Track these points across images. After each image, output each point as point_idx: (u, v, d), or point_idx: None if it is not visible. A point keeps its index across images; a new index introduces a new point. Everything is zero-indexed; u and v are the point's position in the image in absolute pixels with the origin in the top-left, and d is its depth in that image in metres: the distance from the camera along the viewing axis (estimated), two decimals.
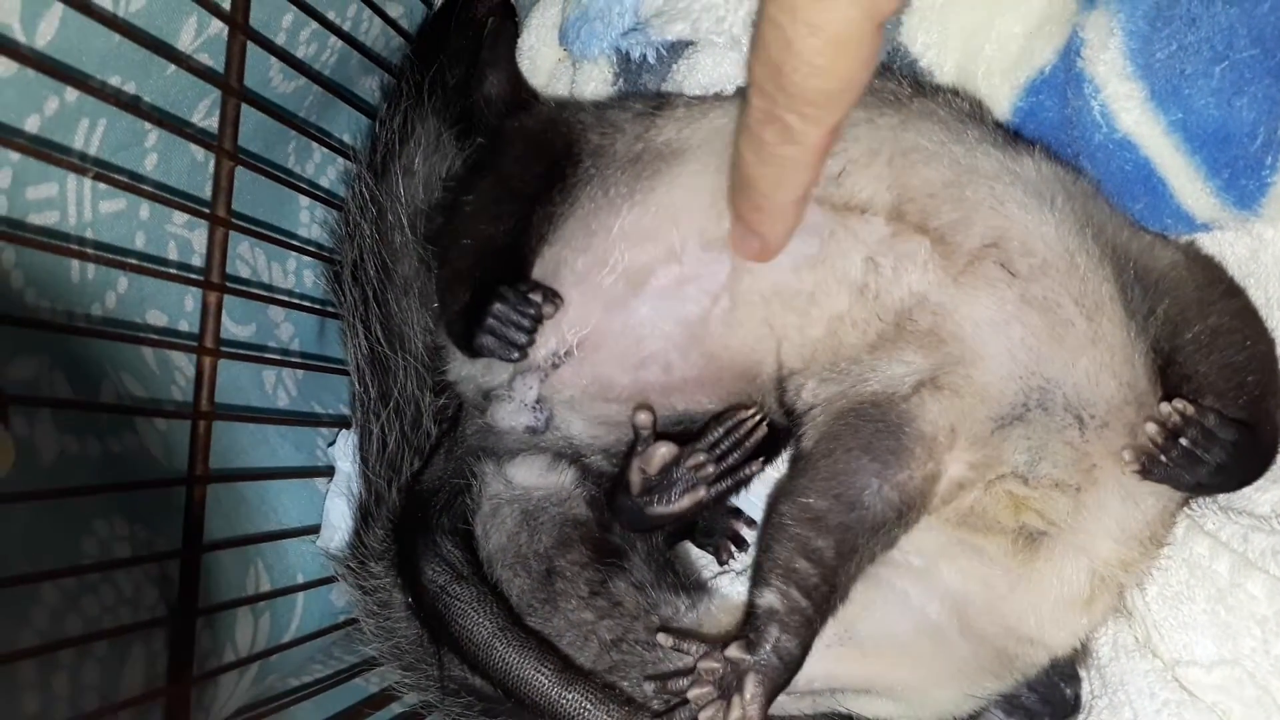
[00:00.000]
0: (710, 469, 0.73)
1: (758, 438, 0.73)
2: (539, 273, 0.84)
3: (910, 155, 0.76)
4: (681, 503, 0.75)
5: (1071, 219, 0.75)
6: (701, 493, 0.74)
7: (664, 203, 0.80)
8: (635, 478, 0.74)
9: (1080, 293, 0.73)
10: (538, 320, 0.79)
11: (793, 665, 0.67)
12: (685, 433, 0.81)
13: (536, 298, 0.79)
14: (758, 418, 0.73)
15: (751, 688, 0.65)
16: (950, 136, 0.78)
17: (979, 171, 0.76)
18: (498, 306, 0.78)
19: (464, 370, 0.89)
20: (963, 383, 0.73)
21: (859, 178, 0.76)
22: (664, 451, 0.73)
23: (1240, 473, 0.72)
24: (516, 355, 0.79)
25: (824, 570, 0.68)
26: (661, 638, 0.73)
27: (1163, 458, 0.70)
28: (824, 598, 0.68)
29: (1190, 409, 0.70)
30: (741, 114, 0.65)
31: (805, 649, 0.67)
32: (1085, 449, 0.73)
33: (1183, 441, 0.69)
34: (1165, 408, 0.70)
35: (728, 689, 0.66)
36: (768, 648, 0.66)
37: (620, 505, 0.79)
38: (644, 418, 0.74)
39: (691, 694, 0.66)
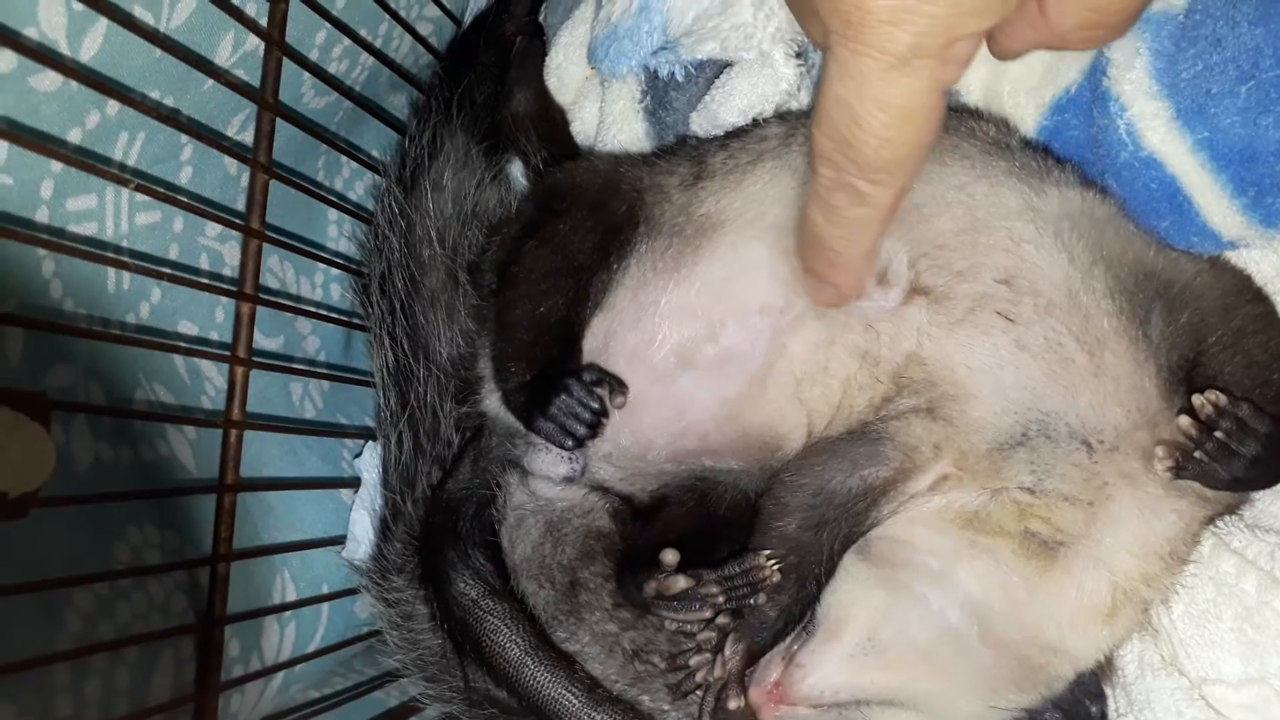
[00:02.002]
0: (720, 600, 0.76)
1: (771, 584, 0.75)
2: (591, 343, 0.84)
3: (923, 209, 0.78)
4: (686, 615, 0.77)
5: (1085, 253, 0.76)
6: (706, 613, 0.76)
7: (705, 279, 0.82)
8: (650, 591, 0.76)
9: (1082, 329, 0.74)
10: (602, 416, 0.80)
11: (767, 624, 0.77)
12: (705, 488, 0.84)
13: (603, 392, 0.80)
14: (775, 565, 0.75)
15: (730, 646, 0.76)
16: (975, 174, 0.79)
17: (999, 210, 0.77)
18: (564, 399, 0.79)
19: (500, 410, 0.89)
20: (957, 415, 0.76)
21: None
22: (684, 584, 0.75)
23: (1275, 467, 0.72)
24: (571, 445, 0.80)
25: (790, 544, 0.77)
26: (668, 622, 0.78)
27: (1196, 452, 0.69)
28: (792, 566, 0.77)
29: (1223, 399, 0.69)
30: (809, 180, 0.65)
31: (779, 609, 0.77)
32: (1095, 469, 0.74)
33: (1216, 434, 0.69)
34: (1198, 399, 0.70)
35: (716, 650, 0.77)
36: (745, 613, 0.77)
37: (629, 594, 0.81)
38: (671, 558, 0.76)
39: (693, 662, 0.78)
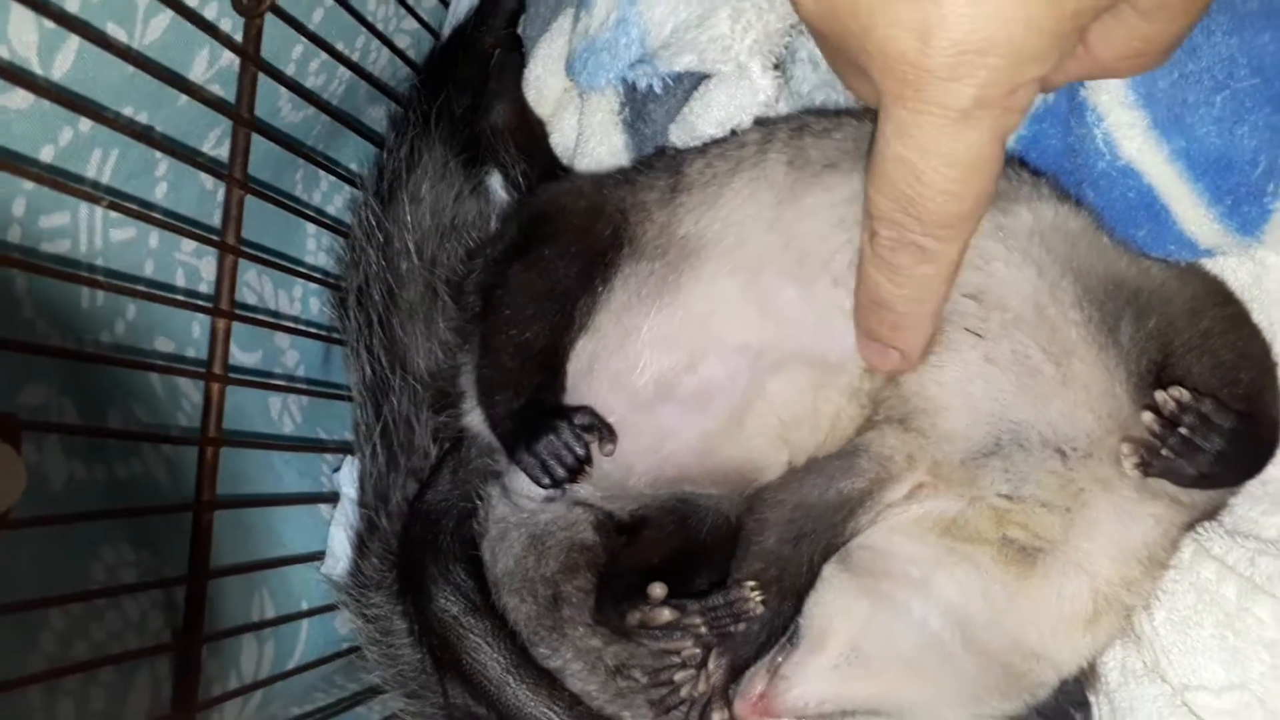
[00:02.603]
0: (703, 631, 0.76)
1: (755, 614, 0.75)
2: (575, 366, 0.84)
3: None
4: (668, 645, 0.77)
5: (1054, 266, 0.76)
6: (688, 643, 0.76)
7: (686, 310, 0.82)
8: (635, 621, 0.76)
9: (1049, 341, 0.75)
10: (586, 463, 0.79)
11: (750, 638, 0.76)
12: (686, 510, 0.83)
13: (591, 439, 0.79)
14: (759, 598, 0.75)
15: (714, 660, 0.76)
16: None
17: None
18: (550, 439, 0.79)
19: (483, 428, 0.88)
20: (929, 428, 0.77)
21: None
22: (669, 616, 0.75)
23: (1240, 463, 0.72)
24: (549, 484, 0.80)
25: (770, 558, 0.78)
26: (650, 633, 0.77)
27: (1162, 449, 0.69)
28: (773, 580, 0.77)
29: (1187, 395, 0.69)
30: (865, 242, 0.65)
31: (762, 623, 0.77)
32: (1070, 476, 0.74)
33: (1181, 430, 0.69)
34: (1161, 395, 0.70)
35: (700, 665, 0.76)
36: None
37: (608, 618, 0.80)
38: (659, 592, 0.76)
39: (677, 677, 0.77)
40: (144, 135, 0.75)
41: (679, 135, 0.89)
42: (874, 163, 0.58)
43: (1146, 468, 0.71)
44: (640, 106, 0.90)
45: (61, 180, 0.69)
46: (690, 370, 0.82)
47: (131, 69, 0.72)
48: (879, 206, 0.60)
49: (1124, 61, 0.60)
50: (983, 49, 0.51)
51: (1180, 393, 0.70)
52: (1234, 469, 0.73)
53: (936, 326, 0.72)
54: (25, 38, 0.66)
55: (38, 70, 0.67)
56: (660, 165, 0.89)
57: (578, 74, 0.91)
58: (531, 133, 0.99)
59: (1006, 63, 0.51)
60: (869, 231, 0.63)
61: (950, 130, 0.54)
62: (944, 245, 0.61)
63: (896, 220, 0.60)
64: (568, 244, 0.84)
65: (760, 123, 0.87)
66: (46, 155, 0.71)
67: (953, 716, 0.76)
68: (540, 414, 0.80)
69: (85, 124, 0.72)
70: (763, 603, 0.75)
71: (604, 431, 0.81)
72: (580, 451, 0.79)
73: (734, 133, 0.87)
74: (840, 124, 0.84)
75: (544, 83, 0.98)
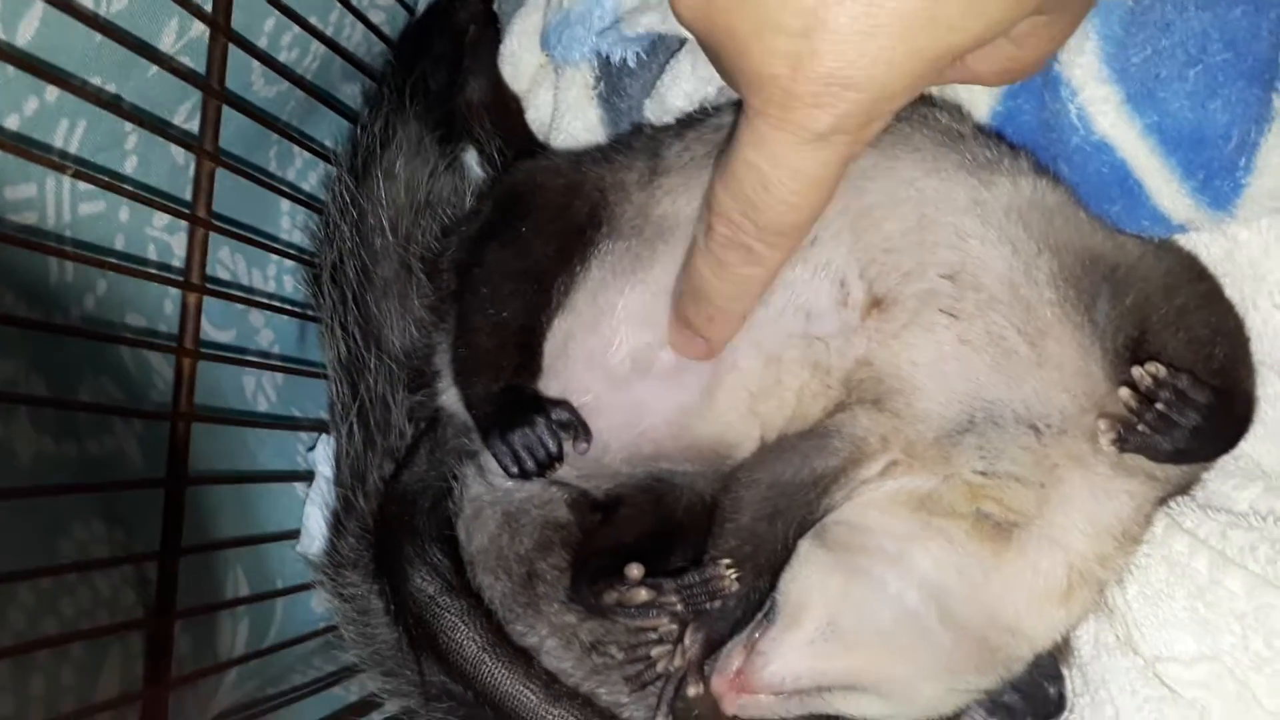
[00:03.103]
0: (679, 609, 0.76)
1: (730, 592, 0.76)
2: (551, 345, 0.84)
3: (874, 211, 0.78)
4: (644, 622, 0.77)
5: (1030, 244, 0.77)
6: (663, 620, 0.76)
7: (658, 284, 0.82)
8: (610, 600, 0.76)
9: (1024, 321, 0.75)
10: (557, 460, 0.79)
11: (726, 614, 0.77)
12: (662, 489, 0.83)
13: (566, 437, 0.79)
14: (735, 576, 0.76)
15: (690, 636, 0.76)
16: (926, 168, 0.79)
17: (948, 205, 0.78)
18: (525, 431, 0.78)
19: (459, 407, 0.88)
20: (903, 408, 0.77)
21: (825, 248, 0.78)
22: (645, 596, 0.75)
23: (1216, 438, 0.73)
24: (518, 475, 0.79)
25: (745, 535, 0.78)
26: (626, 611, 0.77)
27: (1138, 425, 0.70)
28: (748, 557, 0.77)
29: (1163, 371, 0.70)
30: (700, 235, 0.67)
31: (738, 599, 0.77)
32: (1044, 452, 0.74)
33: (1157, 405, 0.70)
34: (1137, 371, 0.70)
35: (676, 640, 0.77)
36: None
37: (582, 596, 0.80)
38: (636, 573, 0.76)
39: (654, 653, 0.77)
40: (112, 105, 0.74)
41: (654, 110, 0.88)
42: (726, 163, 0.62)
43: (1123, 443, 0.71)
44: (615, 81, 0.89)
45: (27, 149, 0.68)
46: (664, 345, 0.82)
47: (99, 37, 0.71)
48: (722, 204, 0.63)
49: (994, 76, 0.65)
50: (847, 84, 0.54)
51: (1157, 368, 0.70)
52: (1209, 444, 0.73)
53: (741, 326, 0.75)
54: None
55: (1, 35, 0.66)
56: (639, 146, 0.89)
57: (552, 48, 0.91)
58: (507, 109, 0.98)
59: (867, 98, 0.55)
60: (706, 225, 0.66)
61: (804, 149, 0.58)
62: (772, 251, 0.65)
63: (735, 220, 0.63)
64: (545, 222, 0.84)
65: (738, 105, 0.87)
66: (12, 124, 0.69)
67: (929, 690, 0.76)
68: (518, 404, 0.80)
69: (51, 94, 0.71)
70: (738, 580, 0.75)
71: (579, 430, 0.81)
72: (553, 448, 0.79)
73: (708, 112, 0.87)
74: None
75: (519, 58, 0.97)
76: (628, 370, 0.83)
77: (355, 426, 0.92)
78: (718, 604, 0.76)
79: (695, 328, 0.75)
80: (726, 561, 0.76)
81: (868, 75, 0.54)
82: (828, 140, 0.57)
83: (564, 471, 0.85)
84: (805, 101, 0.55)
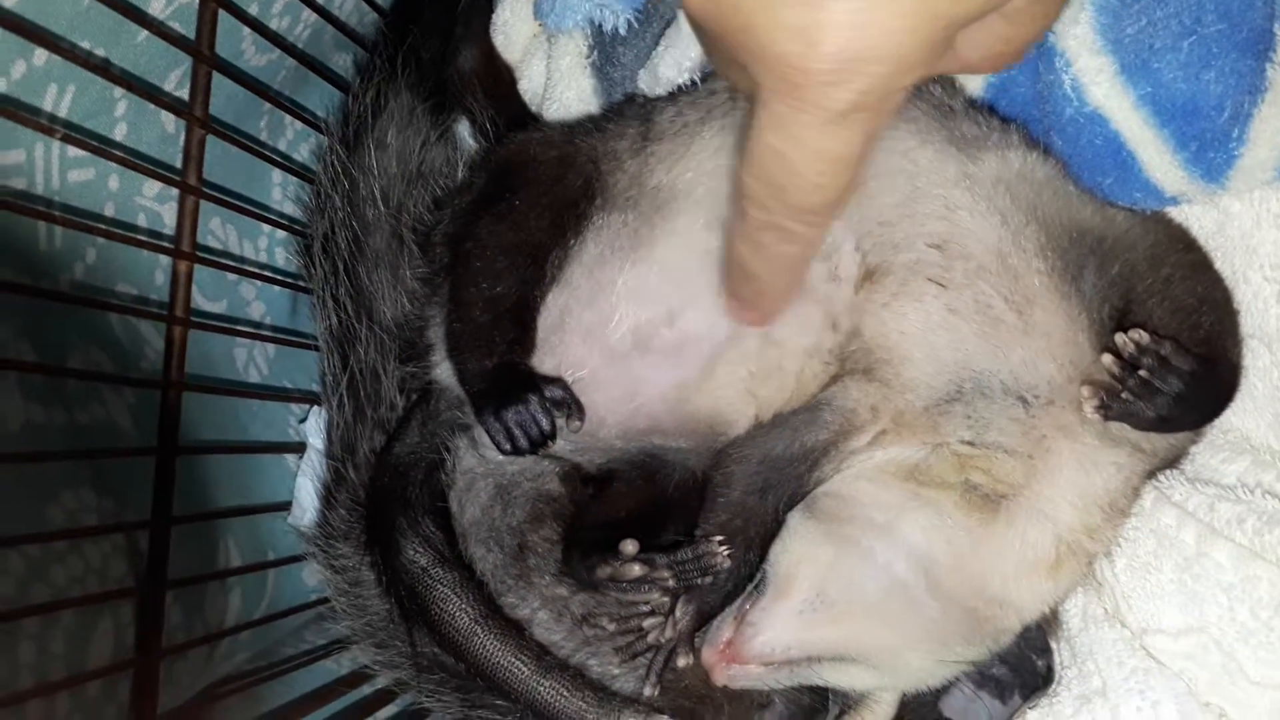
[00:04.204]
0: (671, 584, 0.76)
1: (722, 568, 0.76)
2: (546, 319, 0.83)
3: (869, 184, 0.78)
4: (636, 596, 0.77)
5: (1018, 215, 0.77)
6: (654, 595, 0.77)
7: (661, 263, 0.81)
8: (603, 574, 0.77)
9: (1011, 290, 0.75)
10: (550, 438, 0.79)
11: (717, 585, 0.78)
12: (655, 465, 0.84)
13: (560, 416, 0.79)
14: (727, 552, 0.76)
15: (681, 607, 0.77)
16: (920, 139, 0.79)
17: (939, 177, 0.78)
18: (519, 409, 0.78)
19: (452, 381, 0.88)
20: (892, 378, 0.78)
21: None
22: (639, 572, 0.76)
23: (1199, 406, 0.73)
24: (509, 451, 0.79)
25: (735, 509, 0.79)
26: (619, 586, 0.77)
27: (1122, 392, 0.70)
28: (738, 530, 0.78)
29: (1145, 337, 0.70)
30: (734, 216, 0.66)
31: (728, 574, 0.78)
32: (1032, 423, 0.75)
33: (1140, 372, 0.70)
34: (1120, 337, 0.71)
35: (667, 612, 0.78)
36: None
37: (575, 570, 0.81)
38: (631, 549, 0.76)
39: (645, 624, 0.78)
40: (101, 69, 0.73)
41: (647, 81, 0.88)
42: (749, 149, 0.60)
43: (1106, 410, 0.71)
44: (609, 49, 0.89)
45: (14, 112, 0.67)
46: (669, 323, 0.82)
47: (87, 1, 0.70)
48: (751, 189, 0.62)
49: (986, 61, 0.63)
50: (867, 57, 0.52)
51: (1139, 335, 0.71)
52: (1193, 412, 0.74)
53: (796, 292, 0.74)
54: None
55: None
56: (631, 113, 0.88)
57: (545, 15, 0.90)
58: (499, 78, 0.98)
59: (888, 70, 0.53)
60: (738, 208, 0.65)
61: (826, 129, 0.55)
62: (808, 229, 0.63)
63: (766, 204, 0.62)
64: (538, 195, 0.83)
65: None
66: None
67: (917, 661, 0.77)
68: (513, 380, 0.79)
69: (40, 57, 0.70)
70: (729, 555, 0.76)
71: (573, 407, 0.81)
72: (546, 426, 0.78)
73: (703, 79, 0.87)
74: None
75: (512, 27, 0.97)
76: (628, 346, 0.83)
77: (345, 398, 0.92)
78: (710, 579, 0.76)
79: (747, 302, 0.74)
80: (719, 538, 0.76)
81: (886, 46, 0.52)
82: (849, 118, 0.55)
83: (558, 445, 0.85)
84: (822, 80, 0.53)
